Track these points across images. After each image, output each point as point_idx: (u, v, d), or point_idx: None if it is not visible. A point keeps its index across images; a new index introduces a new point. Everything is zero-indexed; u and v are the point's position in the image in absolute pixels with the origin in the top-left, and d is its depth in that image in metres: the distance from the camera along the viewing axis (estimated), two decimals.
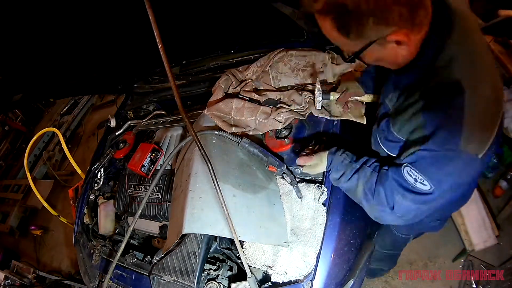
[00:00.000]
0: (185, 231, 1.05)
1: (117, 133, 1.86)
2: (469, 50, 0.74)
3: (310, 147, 1.16)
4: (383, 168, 0.91)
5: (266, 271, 1.12)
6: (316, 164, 1.09)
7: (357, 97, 1.21)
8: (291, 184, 1.20)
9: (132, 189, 1.58)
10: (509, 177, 1.96)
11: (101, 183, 1.78)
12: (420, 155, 0.76)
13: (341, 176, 1.00)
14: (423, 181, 0.76)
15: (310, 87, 1.38)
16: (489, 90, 0.73)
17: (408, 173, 0.78)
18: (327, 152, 1.06)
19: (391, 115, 0.89)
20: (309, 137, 1.28)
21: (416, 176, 0.77)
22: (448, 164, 0.73)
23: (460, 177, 0.75)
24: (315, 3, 0.69)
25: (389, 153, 0.92)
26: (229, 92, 1.51)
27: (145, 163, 1.48)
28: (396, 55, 0.77)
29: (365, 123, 1.19)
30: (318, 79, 1.24)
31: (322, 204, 1.14)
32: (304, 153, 1.13)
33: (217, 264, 1.28)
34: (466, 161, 0.72)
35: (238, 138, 1.26)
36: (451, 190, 0.77)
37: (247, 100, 1.41)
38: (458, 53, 0.73)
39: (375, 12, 0.65)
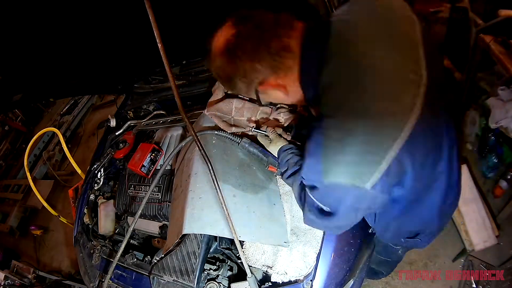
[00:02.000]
0: (185, 231, 1.05)
1: (117, 133, 1.86)
2: (342, 80, 0.68)
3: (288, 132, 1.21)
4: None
5: (266, 271, 1.12)
6: (274, 144, 1.13)
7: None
8: None
9: (132, 189, 1.58)
10: (509, 177, 1.96)
11: (101, 183, 1.78)
12: (303, 181, 0.78)
13: (283, 172, 1.02)
14: (319, 203, 0.76)
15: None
16: (358, 127, 0.62)
17: (311, 197, 0.78)
18: (283, 145, 1.10)
19: None
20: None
21: (317, 202, 0.76)
22: (324, 192, 0.72)
23: (349, 204, 0.70)
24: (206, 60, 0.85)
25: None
26: (229, 92, 1.50)
27: (145, 163, 1.48)
28: (281, 97, 0.83)
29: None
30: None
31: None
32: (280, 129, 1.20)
33: (217, 264, 1.28)
34: (344, 190, 0.67)
35: (238, 138, 1.26)
36: (350, 212, 0.74)
37: (247, 100, 1.41)
38: (329, 84, 0.70)
39: (232, 76, 0.78)
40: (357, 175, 0.64)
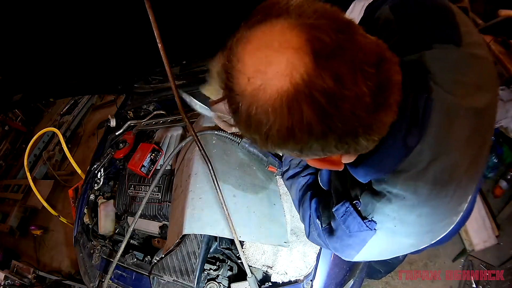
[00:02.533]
0: (185, 232, 1.05)
1: (117, 133, 1.86)
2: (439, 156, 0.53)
3: None
4: (310, 191, 0.86)
5: (266, 271, 1.12)
6: None
7: None
8: None
9: (132, 189, 1.58)
10: (509, 177, 1.96)
11: (101, 183, 1.78)
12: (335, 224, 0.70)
13: (284, 172, 1.00)
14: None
15: None
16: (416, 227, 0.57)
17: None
18: None
19: None
20: None
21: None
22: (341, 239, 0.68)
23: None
24: (229, 104, 0.46)
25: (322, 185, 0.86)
26: None
27: (145, 163, 1.48)
28: (326, 168, 0.57)
29: None
30: None
31: None
32: None
33: (217, 264, 1.28)
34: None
35: (238, 138, 1.26)
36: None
37: None
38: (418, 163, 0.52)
39: (282, 144, 0.43)
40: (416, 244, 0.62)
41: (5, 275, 3.00)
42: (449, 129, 0.53)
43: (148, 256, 1.38)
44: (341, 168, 0.55)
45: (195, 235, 1.22)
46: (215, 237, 1.24)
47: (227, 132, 1.29)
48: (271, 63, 0.38)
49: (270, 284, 1.11)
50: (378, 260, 1.58)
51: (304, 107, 0.37)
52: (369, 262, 1.60)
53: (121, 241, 1.26)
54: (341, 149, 0.43)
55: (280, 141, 0.42)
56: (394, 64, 0.44)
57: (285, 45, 0.38)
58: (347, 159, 0.54)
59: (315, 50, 0.37)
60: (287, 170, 0.98)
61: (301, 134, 0.40)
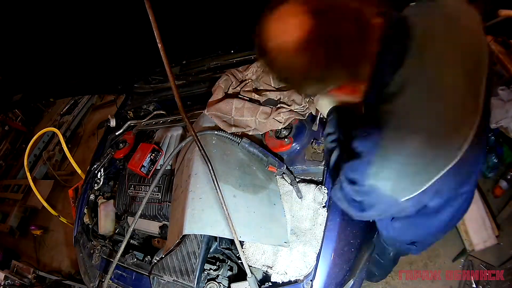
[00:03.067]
0: (185, 232, 1.05)
1: (117, 133, 1.86)
2: (415, 86, 0.65)
3: None
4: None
5: (266, 271, 1.12)
6: (322, 103, 1.11)
7: None
8: (291, 184, 1.20)
9: (132, 189, 1.58)
10: (509, 177, 1.96)
11: (101, 183, 1.78)
12: (343, 172, 0.77)
13: (329, 134, 1.02)
14: (355, 197, 0.76)
15: None
16: (416, 143, 0.63)
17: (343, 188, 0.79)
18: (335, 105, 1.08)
19: None
20: (309, 137, 1.28)
21: (349, 193, 0.77)
22: (359, 192, 0.72)
23: (379, 209, 0.73)
24: (260, 57, 0.69)
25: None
26: (229, 92, 1.51)
27: (145, 163, 1.48)
28: (346, 100, 0.80)
29: None
30: None
31: (322, 205, 1.14)
32: None
33: (217, 264, 1.28)
34: (381, 198, 0.68)
35: (238, 138, 1.26)
36: (377, 215, 0.78)
37: (247, 100, 1.41)
38: (405, 86, 0.65)
39: (306, 76, 0.64)
40: (399, 188, 0.66)
41: (5, 275, 3.00)
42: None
43: (148, 256, 1.38)
44: (359, 95, 0.73)
45: (195, 235, 1.22)
46: (215, 237, 1.24)
47: (227, 132, 1.30)
48: (287, 22, 0.61)
49: (270, 284, 1.11)
50: (374, 261, 1.58)
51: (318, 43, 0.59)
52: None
53: (121, 241, 1.26)
54: (348, 75, 0.65)
55: (306, 74, 0.64)
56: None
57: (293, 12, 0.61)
58: (360, 88, 0.71)
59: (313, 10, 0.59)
60: (332, 133, 1.01)
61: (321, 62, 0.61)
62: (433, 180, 0.64)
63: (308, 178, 1.23)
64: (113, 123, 1.93)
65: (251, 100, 1.41)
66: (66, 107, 4.84)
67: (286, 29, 0.61)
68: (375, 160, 0.65)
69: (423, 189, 0.64)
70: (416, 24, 0.68)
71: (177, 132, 1.64)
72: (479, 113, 0.66)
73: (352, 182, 0.73)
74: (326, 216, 1.11)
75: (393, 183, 0.66)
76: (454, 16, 0.71)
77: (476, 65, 0.68)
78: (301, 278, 1.06)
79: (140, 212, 1.20)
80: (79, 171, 2.54)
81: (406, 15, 0.71)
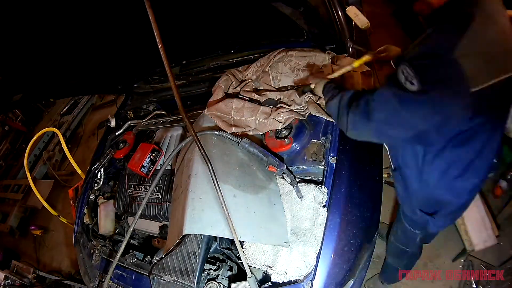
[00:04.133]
0: (185, 232, 1.05)
1: (117, 133, 1.86)
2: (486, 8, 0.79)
3: None
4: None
5: (266, 271, 1.12)
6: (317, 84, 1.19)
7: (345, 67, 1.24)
8: (291, 184, 1.20)
9: (132, 189, 1.58)
10: (509, 177, 1.96)
11: (101, 183, 1.78)
12: (417, 53, 0.81)
13: (330, 97, 1.08)
14: (412, 78, 0.78)
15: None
16: (497, 36, 0.77)
17: (402, 71, 0.81)
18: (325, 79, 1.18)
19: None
20: (309, 137, 1.28)
21: (408, 73, 0.79)
22: (436, 63, 0.76)
23: (443, 84, 0.77)
24: None
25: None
26: (229, 92, 1.51)
27: (145, 163, 1.48)
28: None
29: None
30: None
31: (322, 205, 1.14)
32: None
33: (217, 264, 1.28)
34: (453, 72, 0.74)
35: (238, 138, 1.26)
36: (433, 103, 0.78)
37: (247, 100, 1.41)
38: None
39: None
40: (476, 73, 0.74)
41: (5, 275, 3.00)
42: None
43: (148, 256, 1.38)
44: None
45: (195, 235, 1.22)
46: (215, 237, 1.24)
47: (227, 132, 1.30)
48: None
49: (270, 284, 1.11)
50: (397, 253, 1.57)
51: None
52: (387, 257, 1.63)
53: (121, 241, 1.26)
54: None
55: None
56: None
57: None
58: None
59: None
60: (331, 98, 1.08)
61: None
62: (499, 78, 0.75)
63: (308, 178, 1.23)
64: (113, 123, 1.93)
65: (251, 100, 1.42)
66: (66, 107, 4.84)
67: None
68: (467, 34, 0.73)
69: (492, 82, 0.75)
70: None
71: (177, 132, 1.64)
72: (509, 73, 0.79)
73: (429, 56, 0.77)
74: (326, 216, 1.11)
75: (474, 66, 0.74)
76: None
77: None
78: (301, 278, 1.06)
79: (140, 212, 1.19)
80: (79, 171, 2.54)
81: None
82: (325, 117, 1.25)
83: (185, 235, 1.17)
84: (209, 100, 1.45)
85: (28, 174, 2.56)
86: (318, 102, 1.35)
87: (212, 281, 1.21)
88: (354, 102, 0.97)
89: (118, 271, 1.38)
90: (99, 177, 1.78)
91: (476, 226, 1.85)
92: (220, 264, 1.28)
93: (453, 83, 0.76)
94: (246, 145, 1.25)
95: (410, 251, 1.53)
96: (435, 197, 1.08)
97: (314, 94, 1.28)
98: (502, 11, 0.84)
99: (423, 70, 0.77)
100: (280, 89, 1.46)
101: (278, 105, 1.35)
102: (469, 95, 0.75)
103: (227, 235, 1.06)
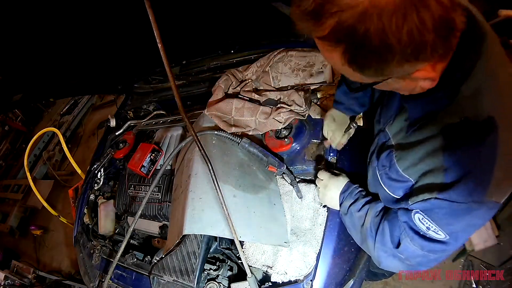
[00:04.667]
0: (185, 232, 1.05)
1: (117, 133, 1.86)
2: (497, 80, 0.61)
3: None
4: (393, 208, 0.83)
5: (266, 271, 1.12)
6: (329, 184, 1.04)
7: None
8: (291, 184, 1.20)
9: (132, 189, 1.58)
10: None
11: (101, 183, 1.78)
12: (436, 204, 0.63)
13: (352, 203, 0.94)
14: (437, 231, 0.66)
15: (310, 87, 1.38)
16: None
17: (419, 220, 0.68)
18: (344, 178, 1.03)
19: (395, 148, 0.76)
20: (309, 137, 1.28)
21: (429, 225, 0.67)
22: (469, 215, 0.62)
23: (478, 226, 0.66)
24: (317, 27, 0.48)
25: (391, 194, 0.79)
26: (229, 92, 1.51)
27: (145, 163, 1.48)
28: (415, 87, 0.61)
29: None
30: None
31: (322, 204, 1.14)
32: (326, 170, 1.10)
33: (217, 264, 1.28)
34: (489, 209, 0.62)
35: (238, 138, 1.26)
36: (466, 239, 0.72)
37: (247, 100, 1.41)
38: (486, 83, 0.59)
39: (405, 48, 0.46)
40: (507, 191, 0.62)
41: (5, 275, 3.00)
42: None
43: (148, 256, 1.38)
44: (435, 80, 0.58)
45: (195, 235, 1.22)
46: (215, 237, 1.24)
47: (227, 132, 1.30)
48: None
49: (270, 284, 1.11)
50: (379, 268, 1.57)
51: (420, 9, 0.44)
52: (371, 268, 1.59)
53: (121, 241, 1.26)
54: (442, 49, 0.50)
55: (408, 43, 0.45)
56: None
57: None
58: (437, 70, 0.57)
59: None
60: (356, 200, 0.94)
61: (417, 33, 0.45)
62: None
63: (308, 178, 1.23)
64: (113, 123, 1.93)
65: (251, 100, 1.41)
66: (66, 107, 4.84)
67: None
68: (497, 170, 0.58)
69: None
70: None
71: (177, 132, 1.64)
72: None
73: (457, 211, 0.62)
74: (326, 216, 1.11)
75: (504, 189, 0.61)
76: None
77: None
78: (301, 278, 1.06)
79: (140, 212, 1.20)
80: (79, 171, 2.54)
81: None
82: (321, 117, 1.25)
83: (185, 235, 1.17)
84: (209, 100, 1.45)
85: (28, 174, 2.56)
86: (318, 103, 1.35)
87: (212, 281, 1.21)
88: (379, 234, 0.82)
89: (118, 271, 1.38)
90: (99, 177, 1.78)
91: None
92: (220, 264, 1.28)
93: (487, 220, 0.66)
94: (246, 145, 1.25)
95: None
96: None
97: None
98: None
99: (451, 225, 0.65)
100: (280, 89, 1.46)
101: (278, 105, 1.35)
102: (498, 206, 0.63)
103: (227, 235, 1.06)
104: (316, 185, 1.11)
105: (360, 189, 0.98)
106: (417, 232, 0.70)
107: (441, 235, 0.66)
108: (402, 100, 0.74)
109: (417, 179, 0.68)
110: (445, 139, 0.62)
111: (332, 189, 1.04)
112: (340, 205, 1.01)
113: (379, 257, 0.84)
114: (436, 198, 0.63)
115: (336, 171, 1.10)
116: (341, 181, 1.03)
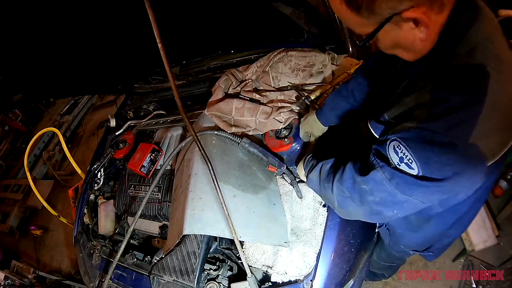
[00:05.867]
0: (185, 232, 1.05)
1: (117, 133, 1.86)
2: (493, 44, 0.61)
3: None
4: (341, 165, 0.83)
5: (266, 271, 1.12)
6: (298, 167, 1.11)
7: None
8: (291, 184, 1.20)
9: (132, 189, 1.58)
10: (509, 177, 1.96)
11: (101, 183, 1.78)
12: (417, 132, 0.62)
13: (310, 168, 0.97)
14: (412, 162, 0.62)
15: (309, 88, 1.38)
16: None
17: (394, 149, 0.65)
18: (308, 153, 1.07)
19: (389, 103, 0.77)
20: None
21: (404, 153, 0.63)
22: (449, 153, 0.59)
23: (459, 175, 0.60)
24: None
25: (374, 133, 0.79)
26: (229, 92, 1.51)
27: (145, 163, 1.48)
28: (414, 39, 0.63)
29: None
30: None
31: (322, 204, 1.14)
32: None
33: (217, 264, 1.28)
34: (472, 159, 0.59)
35: (238, 138, 1.26)
36: (438, 189, 0.63)
37: (247, 100, 1.41)
38: (482, 42, 0.61)
39: None
40: (494, 146, 0.61)
41: (5, 275, 3.00)
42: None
43: (148, 256, 1.38)
44: (423, 42, 0.63)
45: (195, 235, 1.22)
46: (215, 237, 1.24)
47: (227, 132, 1.30)
48: None
49: (270, 284, 1.11)
50: (381, 267, 1.57)
51: None
52: (371, 269, 1.59)
53: (121, 241, 1.27)
54: None
55: None
56: None
57: None
58: (432, 28, 0.61)
59: None
60: (312, 166, 0.97)
61: None
62: (508, 143, 0.62)
63: None
64: (113, 123, 1.93)
65: (251, 100, 1.41)
66: (66, 107, 4.84)
67: None
68: (486, 108, 0.57)
69: (502, 151, 0.62)
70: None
71: (177, 132, 1.64)
72: None
73: (436, 143, 0.59)
74: (326, 216, 1.11)
75: (493, 142, 0.61)
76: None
77: None
78: (301, 278, 1.06)
79: (140, 212, 1.20)
80: (79, 171, 2.54)
81: None
82: None
83: (185, 235, 1.17)
84: (209, 100, 1.45)
85: (28, 174, 2.56)
86: (317, 103, 1.35)
87: (212, 281, 1.21)
88: (338, 174, 0.82)
89: (118, 271, 1.38)
90: (99, 177, 1.78)
91: (476, 226, 1.85)
92: (220, 264, 1.28)
93: (469, 172, 0.60)
94: (246, 145, 1.25)
95: (396, 264, 1.52)
96: (429, 241, 1.08)
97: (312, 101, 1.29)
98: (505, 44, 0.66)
99: (427, 158, 0.61)
100: (280, 89, 1.46)
101: (279, 105, 1.35)
102: (484, 171, 0.62)
103: (227, 235, 1.06)
104: None
105: (312, 155, 1.01)
106: (388, 163, 0.67)
107: (414, 169, 0.62)
108: (404, 69, 0.76)
109: (401, 118, 0.68)
110: (433, 83, 0.63)
111: (300, 165, 1.09)
112: (305, 176, 1.03)
113: (338, 202, 0.83)
114: (417, 127, 0.62)
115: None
116: (304, 157, 1.07)
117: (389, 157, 0.67)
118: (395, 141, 0.65)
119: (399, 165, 0.65)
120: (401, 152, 0.63)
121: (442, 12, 0.61)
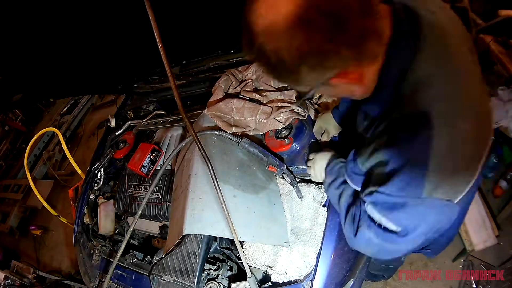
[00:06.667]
0: (185, 232, 1.05)
1: (117, 133, 1.86)
2: (444, 73, 0.60)
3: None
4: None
5: (266, 271, 1.12)
6: (316, 159, 1.06)
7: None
8: (291, 184, 1.20)
9: (132, 189, 1.58)
10: (509, 177, 1.96)
11: (101, 183, 1.78)
12: (379, 197, 0.65)
13: (332, 181, 0.94)
14: (387, 222, 0.66)
15: None
16: (468, 125, 0.58)
17: (371, 210, 0.69)
18: (329, 153, 1.04)
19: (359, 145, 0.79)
20: (309, 137, 1.28)
21: (379, 216, 0.67)
22: (412, 210, 0.62)
23: (431, 223, 0.64)
24: (249, 52, 0.59)
25: (354, 186, 0.83)
26: (229, 92, 1.51)
27: (145, 163, 1.48)
28: (352, 90, 0.65)
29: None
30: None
31: (322, 204, 1.14)
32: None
33: (217, 264, 1.28)
34: (435, 207, 0.61)
35: (238, 138, 1.26)
36: (423, 235, 0.65)
37: (247, 100, 1.41)
38: (428, 77, 0.59)
39: (304, 60, 0.53)
40: (455, 188, 0.61)
41: (5, 275, 3.00)
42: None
43: (148, 256, 1.38)
44: (363, 89, 0.64)
45: (195, 235, 1.22)
46: (215, 237, 1.24)
47: (227, 132, 1.30)
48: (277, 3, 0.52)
49: (270, 284, 1.11)
50: (380, 269, 1.57)
51: (314, 18, 0.50)
52: (370, 270, 1.59)
53: (121, 241, 1.26)
54: (353, 55, 0.54)
55: (304, 56, 0.53)
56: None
57: None
58: (369, 76, 0.62)
59: None
60: (335, 179, 0.93)
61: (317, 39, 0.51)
62: (476, 172, 0.61)
63: (308, 178, 1.23)
64: (113, 123, 1.93)
65: (251, 100, 1.41)
66: (66, 107, 4.84)
67: (274, 4, 0.52)
68: (433, 166, 0.56)
69: (471, 181, 0.61)
70: (426, 13, 0.62)
71: (177, 132, 1.64)
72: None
73: (392, 205, 0.63)
74: (326, 216, 1.11)
75: (451, 186, 0.60)
76: (447, 7, 0.69)
77: (473, 55, 0.66)
78: (301, 278, 1.06)
79: (140, 212, 1.20)
80: (79, 171, 2.54)
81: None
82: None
83: (185, 235, 1.17)
84: (209, 100, 1.45)
85: (28, 174, 2.56)
86: (317, 103, 1.35)
87: (212, 281, 1.21)
88: (348, 216, 0.82)
89: (118, 271, 1.38)
90: (99, 177, 1.78)
91: (476, 226, 1.85)
92: (220, 264, 1.28)
93: (440, 217, 0.64)
94: (246, 145, 1.25)
95: (393, 266, 1.52)
96: (423, 244, 1.07)
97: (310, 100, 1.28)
98: (464, 49, 0.64)
99: (398, 218, 0.64)
100: (280, 89, 1.46)
101: (279, 105, 1.35)
102: (456, 207, 0.62)
103: (227, 235, 1.06)
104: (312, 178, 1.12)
105: (342, 164, 0.95)
106: (373, 220, 0.70)
107: (392, 227, 0.65)
108: (364, 107, 0.76)
109: (370, 172, 0.72)
110: (387, 134, 0.64)
111: (318, 163, 1.05)
112: (324, 180, 1.02)
113: (348, 240, 0.84)
114: (377, 191, 0.65)
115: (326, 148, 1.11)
116: (326, 156, 1.03)
117: (371, 215, 0.70)
118: (370, 205, 0.69)
119: (381, 222, 0.68)
120: (377, 214, 0.67)
121: (374, 62, 0.61)
